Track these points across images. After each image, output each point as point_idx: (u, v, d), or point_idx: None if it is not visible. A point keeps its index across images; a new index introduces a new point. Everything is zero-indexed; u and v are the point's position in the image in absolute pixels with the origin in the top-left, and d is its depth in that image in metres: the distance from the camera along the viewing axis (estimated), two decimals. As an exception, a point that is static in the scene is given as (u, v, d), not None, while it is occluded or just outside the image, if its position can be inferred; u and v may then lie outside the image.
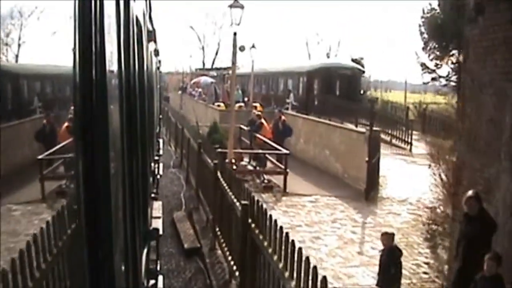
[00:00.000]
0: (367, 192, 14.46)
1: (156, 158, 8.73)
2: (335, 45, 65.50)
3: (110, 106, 1.51)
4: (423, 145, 24.44)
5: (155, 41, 7.18)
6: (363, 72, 34.74)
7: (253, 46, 27.28)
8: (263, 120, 19.90)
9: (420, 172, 18.64)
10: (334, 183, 16.56)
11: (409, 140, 22.19)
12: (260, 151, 17.30)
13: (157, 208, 5.64)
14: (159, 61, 13.35)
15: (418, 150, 22.76)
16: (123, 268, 1.82)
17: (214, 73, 60.03)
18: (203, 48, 77.68)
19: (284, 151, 15.29)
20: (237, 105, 31.76)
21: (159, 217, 5.19)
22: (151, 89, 6.43)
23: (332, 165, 18.65)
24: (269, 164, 17.87)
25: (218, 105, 30.81)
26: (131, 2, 2.30)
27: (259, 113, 20.30)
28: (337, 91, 31.73)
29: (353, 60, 39.59)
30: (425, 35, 32.58)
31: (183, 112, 44.94)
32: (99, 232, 1.39)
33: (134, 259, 2.29)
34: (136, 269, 2.42)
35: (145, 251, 3.38)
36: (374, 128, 15.80)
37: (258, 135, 19.55)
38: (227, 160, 13.09)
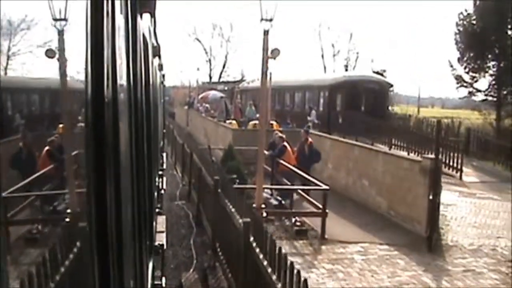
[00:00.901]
0: (429, 239, 11.30)
1: (160, 172, 8.76)
2: (352, 56, 62.19)
3: (120, 121, 1.53)
4: (471, 171, 21.31)
5: (159, 56, 7.39)
6: (391, 86, 31.71)
7: (270, 56, 24.26)
8: (286, 143, 16.85)
9: (482, 206, 15.55)
10: (380, 223, 13.47)
11: (459, 166, 19.02)
12: (295, 186, 14.20)
13: (161, 222, 5.68)
14: (163, 76, 13.55)
15: (469, 178, 19.64)
16: (131, 283, 1.83)
17: (222, 87, 57.23)
18: (209, 61, 75.15)
19: (324, 186, 12.19)
20: (251, 123, 28.88)
21: (163, 232, 5.24)
22: (155, 103, 6.43)
23: (373, 198, 15.56)
24: (298, 199, 14.78)
25: (230, 123, 27.82)
26: (138, 19, 2.49)
27: (282, 134, 17.24)
28: (363, 107, 28.64)
29: (375, 73, 36.57)
30: (461, 45, 29.60)
31: (190, 129, 42.08)
32: (108, 247, 1.41)
33: (140, 274, 2.32)
34: (143, 284, 2.53)
35: (150, 266, 3.48)
36: (428, 156, 12.74)
37: (281, 161, 16.52)
38: (254, 205, 9.98)
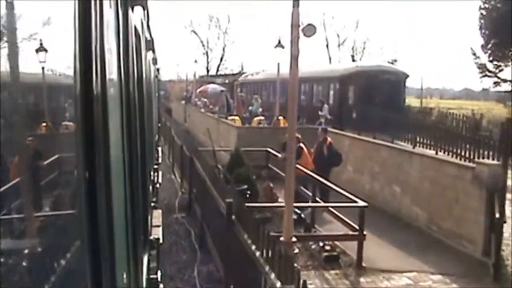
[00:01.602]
0: (495, 266, 9.04)
1: (155, 166, 8.89)
2: (359, 46, 59.77)
3: (110, 116, 1.56)
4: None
5: (153, 50, 7.59)
6: (407, 76, 29.37)
7: (279, 44, 21.91)
8: (302, 144, 14.59)
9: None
10: (422, 241, 11.34)
11: None
12: (328, 204, 11.90)
13: (157, 216, 5.67)
14: (158, 70, 13.66)
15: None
16: (125, 277, 1.86)
17: (220, 80, 55.01)
18: (207, 53, 73.22)
19: (361, 203, 9.89)
20: (256, 119, 26.55)
21: (158, 226, 5.23)
22: (150, 98, 6.43)
23: (407, 208, 13.33)
24: (326, 215, 12.57)
25: (233, 119, 25.49)
26: (130, 12, 2.45)
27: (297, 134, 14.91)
28: (378, 100, 26.32)
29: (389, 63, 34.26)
30: (485, 30, 27.28)
31: (188, 125, 39.79)
32: (100, 241, 1.43)
33: (135, 268, 2.36)
34: (138, 278, 2.54)
35: (146, 260, 3.52)
36: (490, 162, 10.50)
37: (297, 165, 14.19)
38: (282, 238, 7.63)
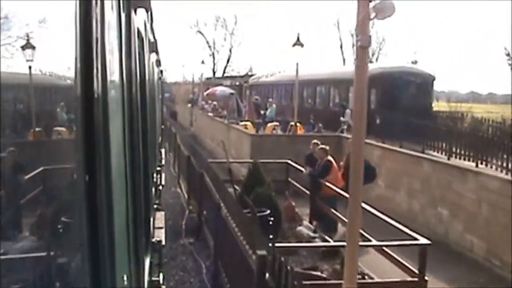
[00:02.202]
0: None
1: (158, 168, 8.86)
2: (373, 47, 57.46)
3: (111, 118, 1.58)
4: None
5: (156, 52, 7.60)
6: (434, 78, 27.29)
7: (297, 42, 19.88)
8: (331, 158, 12.58)
9: None
10: (485, 281, 9.11)
11: None
12: (381, 243, 9.69)
13: (159, 218, 5.77)
14: (161, 71, 13.64)
15: None
16: (126, 280, 1.86)
17: (228, 82, 53.10)
18: (213, 55, 71.53)
19: (422, 240, 7.81)
20: (270, 125, 24.52)
21: (161, 228, 5.28)
22: (153, 100, 6.53)
23: (458, 235, 11.33)
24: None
25: (245, 125, 23.47)
26: (132, 15, 2.49)
27: (324, 145, 12.92)
28: (403, 104, 24.25)
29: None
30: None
31: (195, 130, 37.90)
32: (102, 243, 1.44)
33: (137, 270, 2.38)
34: (139, 281, 2.58)
35: (148, 262, 3.55)
36: None
37: (326, 183, 12.29)
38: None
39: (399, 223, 9.29)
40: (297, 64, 20.32)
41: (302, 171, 14.47)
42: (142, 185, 3.20)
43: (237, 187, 11.83)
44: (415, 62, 37.88)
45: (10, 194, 1.26)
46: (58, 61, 1.48)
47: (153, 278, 3.88)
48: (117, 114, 1.77)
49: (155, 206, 6.19)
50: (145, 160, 3.89)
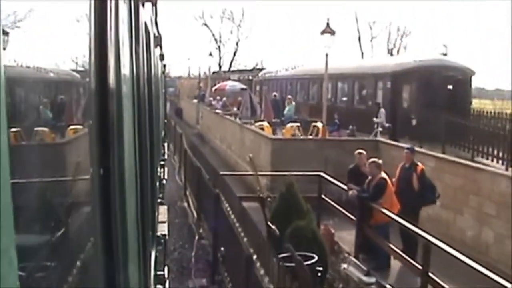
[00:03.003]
0: None
1: (162, 162, 9.09)
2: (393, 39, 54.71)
3: (124, 111, 1.63)
4: None
5: (160, 46, 7.75)
6: (474, 74, 24.45)
7: (327, 29, 17.07)
8: (385, 175, 9.83)
9: None
10: None
11: None
12: None
13: (162, 212, 5.83)
14: (164, 66, 13.89)
15: None
16: (136, 274, 1.90)
17: (235, 76, 50.47)
18: (219, 48, 69.26)
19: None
20: (289, 126, 21.75)
21: (164, 222, 5.39)
22: (157, 94, 6.71)
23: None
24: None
25: (261, 126, 20.74)
26: (140, 9, 2.55)
27: (374, 158, 10.17)
28: (439, 102, 21.50)
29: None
30: None
31: (201, 128, 35.25)
32: (114, 237, 1.47)
33: (144, 264, 2.41)
34: (146, 274, 2.62)
35: (153, 255, 3.62)
36: None
37: (379, 207, 9.64)
38: None
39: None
40: (326, 54, 17.56)
41: (338, 185, 11.82)
42: (149, 179, 3.28)
43: (272, 226, 9.03)
44: (444, 55, 35.01)
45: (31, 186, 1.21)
46: (72, 54, 1.51)
47: (158, 272, 3.85)
48: (128, 108, 1.80)
49: (158, 200, 6.24)
50: (151, 154, 3.94)
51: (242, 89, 33.67)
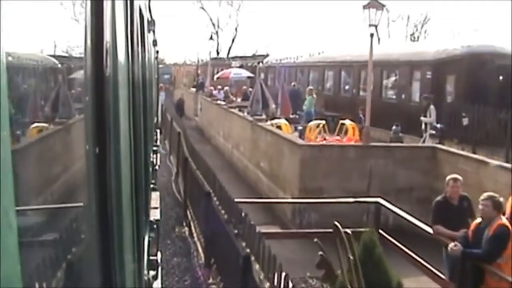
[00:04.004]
0: None
1: (154, 148, 9.30)
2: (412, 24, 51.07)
3: (120, 97, 1.66)
4: None
5: (154, 32, 7.79)
6: (528, 62, 20.95)
7: (373, 3, 13.41)
8: (504, 219, 6.07)
9: None
10: None
11: None
12: None
13: (155, 198, 5.99)
14: (157, 51, 13.86)
15: None
16: (130, 258, 1.97)
17: (236, 63, 46.81)
18: (217, 33, 66.03)
19: None
20: (313, 124, 18.16)
21: (156, 208, 5.52)
22: (151, 80, 6.93)
23: None
24: None
25: (277, 124, 17.17)
26: None
27: (493, 194, 6.42)
28: (492, 96, 18.03)
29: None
30: None
31: (201, 122, 31.80)
32: (108, 223, 1.51)
33: (138, 249, 2.50)
34: (140, 259, 2.72)
35: (146, 241, 3.71)
36: None
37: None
38: None
39: None
40: (371, 35, 13.99)
41: (402, 216, 8.48)
42: (143, 164, 3.45)
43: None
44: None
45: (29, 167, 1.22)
46: (69, 38, 1.53)
47: (151, 257, 3.93)
48: (124, 93, 1.84)
49: (151, 186, 6.30)
50: (145, 139, 4.10)
51: (249, 77, 30.03)
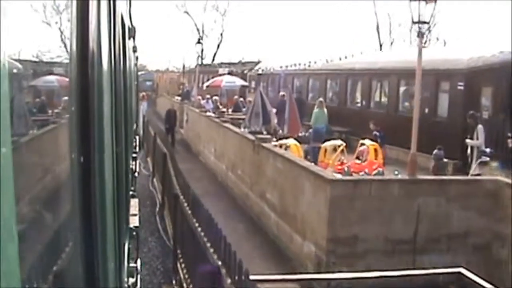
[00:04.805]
0: None
1: (134, 155, 9.41)
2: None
3: (104, 103, 1.72)
4: None
5: (134, 38, 8.00)
6: None
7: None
8: None
9: None
10: None
11: None
12: None
13: (133, 205, 6.06)
14: (137, 58, 14.27)
15: None
16: (112, 265, 1.97)
17: (225, 70, 44.10)
18: (201, 39, 63.31)
19: None
20: (329, 145, 15.22)
21: (136, 215, 5.57)
22: (131, 86, 7.06)
23: None
24: None
25: (285, 145, 14.32)
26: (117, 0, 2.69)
27: None
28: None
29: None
30: None
31: (186, 135, 29.00)
32: (90, 230, 1.54)
33: (119, 257, 2.51)
34: (121, 267, 2.73)
35: (126, 248, 3.74)
36: None
37: None
38: None
39: None
40: (420, 34, 11.19)
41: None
42: (124, 171, 3.45)
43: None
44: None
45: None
46: (54, 45, 1.54)
47: (131, 265, 3.94)
48: (107, 99, 1.88)
49: (130, 192, 6.39)
50: (126, 146, 4.06)
51: (244, 86, 27.10)
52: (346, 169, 13.23)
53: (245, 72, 40.49)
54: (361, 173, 12.98)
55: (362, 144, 15.35)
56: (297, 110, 16.93)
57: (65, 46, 1.49)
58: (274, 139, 16.09)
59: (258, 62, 42.39)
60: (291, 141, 15.13)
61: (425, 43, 47.12)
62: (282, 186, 12.09)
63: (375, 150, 15.20)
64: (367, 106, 23.70)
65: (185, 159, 22.92)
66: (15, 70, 1.20)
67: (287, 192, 11.75)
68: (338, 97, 26.09)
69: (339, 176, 9.92)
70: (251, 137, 15.10)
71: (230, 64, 53.43)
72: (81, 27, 1.45)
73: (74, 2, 1.43)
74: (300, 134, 17.15)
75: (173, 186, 11.06)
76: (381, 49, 43.17)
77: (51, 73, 1.62)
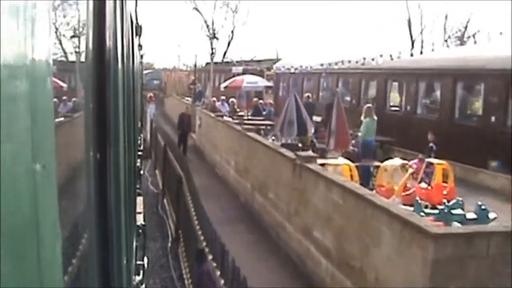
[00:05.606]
0: None
1: (139, 153, 9.51)
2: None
3: (119, 102, 1.80)
4: None
5: (139, 36, 8.09)
6: None
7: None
8: None
9: None
10: None
11: None
12: None
13: (139, 203, 6.14)
14: (142, 56, 13.73)
15: None
16: (125, 263, 2.03)
17: (240, 69, 41.60)
18: (213, 35, 61.30)
19: None
20: (389, 164, 12.21)
21: (140, 213, 5.74)
22: (137, 84, 6.98)
23: None
24: None
25: (333, 166, 11.38)
26: None
27: None
28: None
29: None
30: None
31: (199, 141, 26.47)
32: (105, 227, 1.58)
33: (130, 254, 2.59)
34: (130, 265, 2.75)
35: (134, 246, 3.83)
36: None
37: None
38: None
39: None
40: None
41: None
42: (133, 169, 3.53)
43: None
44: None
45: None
46: (70, 44, 1.52)
47: (138, 262, 3.97)
48: (121, 97, 1.93)
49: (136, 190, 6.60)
50: (134, 144, 4.21)
51: (268, 87, 24.23)
52: (418, 199, 10.23)
53: (264, 70, 37.69)
54: (440, 207, 10.02)
55: (430, 164, 12.33)
56: (345, 119, 13.90)
57: (79, 45, 1.45)
58: (312, 153, 13.21)
59: (277, 60, 39.57)
60: (341, 161, 12.26)
61: (463, 38, 44.44)
62: (340, 226, 9.19)
63: (444, 170, 12.27)
64: (413, 111, 20.77)
65: (199, 170, 20.12)
66: (32, 69, 1.10)
67: (349, 235, 8.85)
68: (375, 100, 23.15)
69: (443, 230, 6.94)
70: (289, 154, 12.21)
71: (247, 61, 50.90)
72: (98, 25, 1.49)
73: (91, 2, 1.48)
74: (350, 149, 14.22)
75: (193, 229, 8.26)
76: (412, 47, 40.29)
77: (66, 71, 1.60)
